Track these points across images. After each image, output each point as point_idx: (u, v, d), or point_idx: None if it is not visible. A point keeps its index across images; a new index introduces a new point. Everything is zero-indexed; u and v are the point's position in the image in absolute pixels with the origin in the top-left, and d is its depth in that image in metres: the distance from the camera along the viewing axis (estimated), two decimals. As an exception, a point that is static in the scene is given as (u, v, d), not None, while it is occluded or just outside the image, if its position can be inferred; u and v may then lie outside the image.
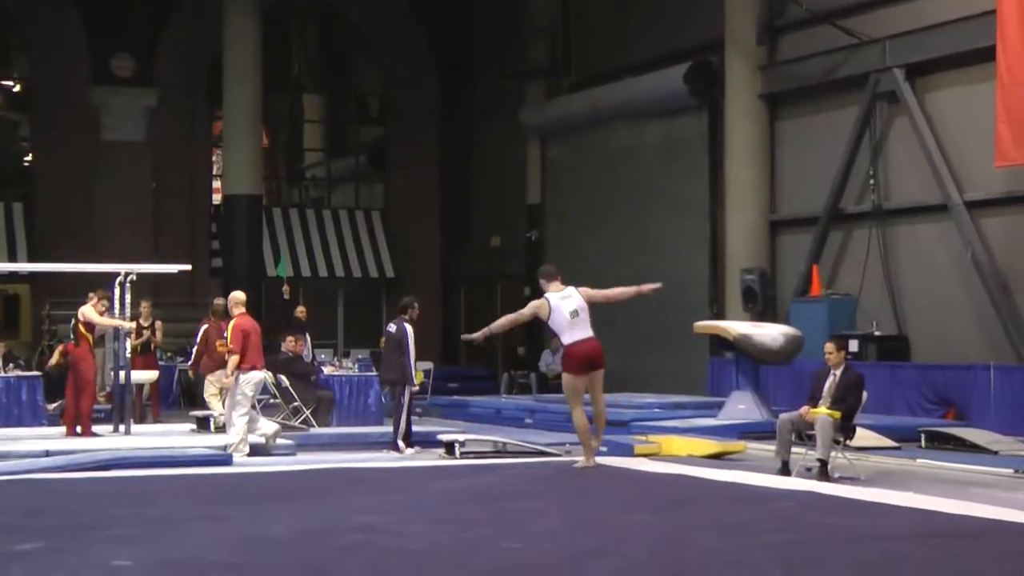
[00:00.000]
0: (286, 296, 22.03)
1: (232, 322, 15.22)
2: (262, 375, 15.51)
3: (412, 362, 15.88)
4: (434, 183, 31.76)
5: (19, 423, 17.66)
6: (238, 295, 15.68)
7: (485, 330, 13.74)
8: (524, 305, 14.07)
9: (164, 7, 29.10)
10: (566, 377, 13.60)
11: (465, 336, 14.52)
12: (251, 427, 14.99)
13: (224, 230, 28.32)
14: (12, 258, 27.09)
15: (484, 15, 30.88)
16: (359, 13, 31.21)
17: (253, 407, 15.19)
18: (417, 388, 16.55)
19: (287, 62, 31.69)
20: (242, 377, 14.92)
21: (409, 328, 15.87)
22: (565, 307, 13.40)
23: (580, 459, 13.74)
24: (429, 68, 31.62)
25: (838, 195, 21.33)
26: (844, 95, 21.34)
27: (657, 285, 13.90)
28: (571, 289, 13.55)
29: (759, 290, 21.77)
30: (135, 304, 17.49)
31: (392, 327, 16.14)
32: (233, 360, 14.91)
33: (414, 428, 16.20)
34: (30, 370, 20.52)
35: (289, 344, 18.92)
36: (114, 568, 7.68)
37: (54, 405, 18.92)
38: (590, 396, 13.60)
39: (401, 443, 15.71)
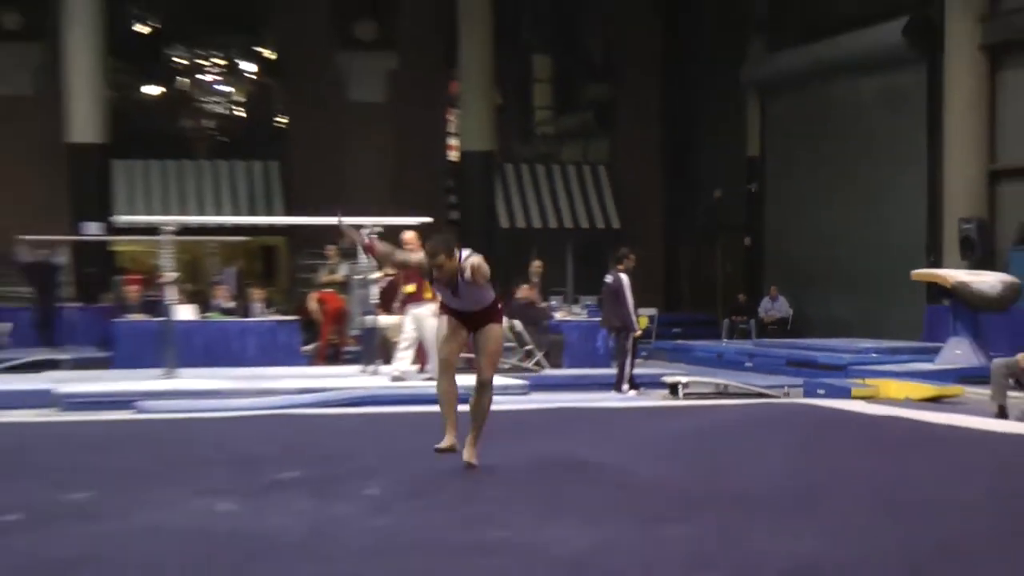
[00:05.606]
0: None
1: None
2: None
3: (632, 309, 15.84)
4: (657, 138, 31.57)
5: (277, 363, 18.12)
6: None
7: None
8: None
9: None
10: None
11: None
12: None
13: (460, 185, 28.66)
14: (269, 212, 27.76)
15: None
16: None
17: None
18: (639, 333, 16.52)
19: (518, 25, 31.77)
20: None
21: (625, 277, 15.87)
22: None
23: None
24: (652, 27, 31.37)
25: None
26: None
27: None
28: None
29: (977, 239, 21.20)
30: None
31: (609, 278, 16.18)
32: None
33: (639, 371, 16.24)
34: (287, 315, 20.97)
35: (523, 291, 19.14)
36: (364, 495, 7.89)
37: (308, 347, 19.46)
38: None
39: (624, 385, 15.77)
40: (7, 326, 20.82)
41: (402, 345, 15.73)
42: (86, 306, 23.07)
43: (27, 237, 22.07)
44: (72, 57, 24.73)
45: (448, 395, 8.72)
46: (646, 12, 31.29)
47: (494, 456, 9.29)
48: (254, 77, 32.04)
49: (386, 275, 16.67)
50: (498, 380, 15.47)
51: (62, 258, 22.97)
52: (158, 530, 6.88)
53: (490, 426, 9.05)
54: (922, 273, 19.55)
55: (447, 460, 8.76)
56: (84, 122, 24.81)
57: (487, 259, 8.44)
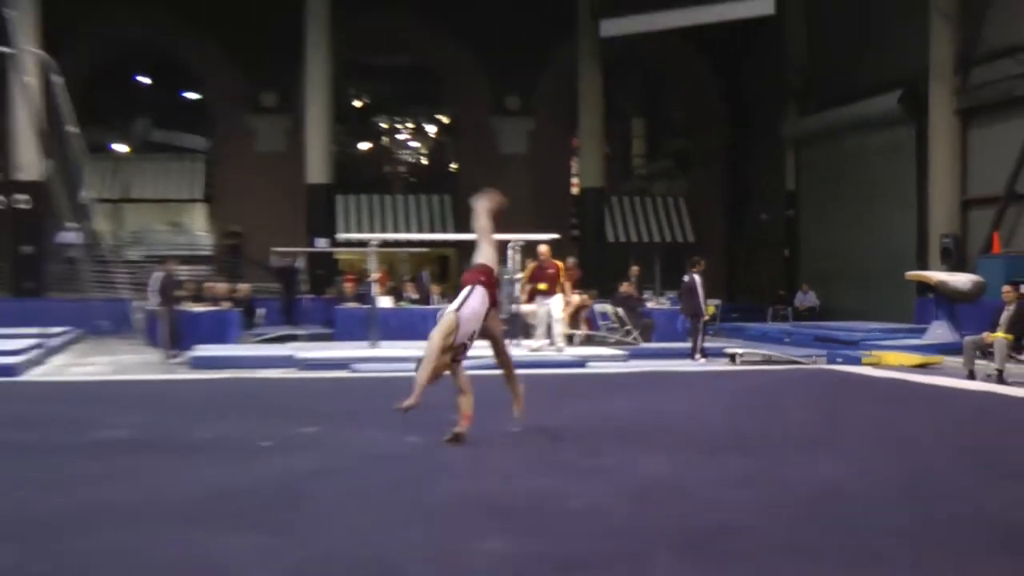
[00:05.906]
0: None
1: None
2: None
3: (702, 300, 15.61)
4: (720, 176, 31.07)
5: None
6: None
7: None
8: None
9: (542, 61, 29.30)
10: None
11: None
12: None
13: (580, 211, 28.62)
14: (444, 232, 27.85)
15: (753, 58, 30.02)
16: (667, 62, 30.89)
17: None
18: (708, 318, 16.30)
19: (621, 97, 31.59)
20: None
21: (698, 277, 15.63)
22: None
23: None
24: (717, 98, 31.01)
25: (1014, 180, 19.91)
26: (1020, 109, 19.88)
27: None
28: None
29: (953, 250, 20.59)
30: (523, 261, 17.69)
31: (686, 277, 15.94)
32: None
33: (707, 345, 16.02)
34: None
35: (624, 287, 19.03)
36: (509, 432, 7.86)
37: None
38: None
39: (697, 355, 15.58)
40: (262, 311, 21.18)
41: (538, 327, 15.68)
42: (316, 297, 23.34)
43: (277, 249, 22.51)
44: (310, 123, 25.17)
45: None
46: (713, 87, 30.90)
47: (604, 405, 9.28)
48: (434, 136, 32.41)
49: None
50: (605, 351, 15.51)
51: (300, 263, 23.36)
52: (365, 454, 6.99)
53: (600, 384, 8.98)
54: (913, 274, 19.06)
55: (567, 409, 8.73)
56: (317, 169, 25.23)
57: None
